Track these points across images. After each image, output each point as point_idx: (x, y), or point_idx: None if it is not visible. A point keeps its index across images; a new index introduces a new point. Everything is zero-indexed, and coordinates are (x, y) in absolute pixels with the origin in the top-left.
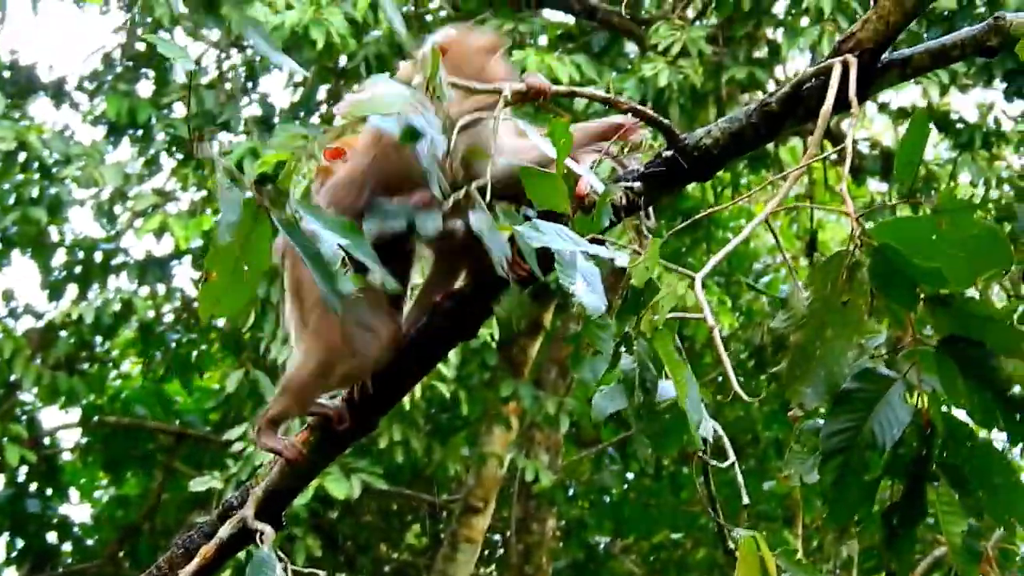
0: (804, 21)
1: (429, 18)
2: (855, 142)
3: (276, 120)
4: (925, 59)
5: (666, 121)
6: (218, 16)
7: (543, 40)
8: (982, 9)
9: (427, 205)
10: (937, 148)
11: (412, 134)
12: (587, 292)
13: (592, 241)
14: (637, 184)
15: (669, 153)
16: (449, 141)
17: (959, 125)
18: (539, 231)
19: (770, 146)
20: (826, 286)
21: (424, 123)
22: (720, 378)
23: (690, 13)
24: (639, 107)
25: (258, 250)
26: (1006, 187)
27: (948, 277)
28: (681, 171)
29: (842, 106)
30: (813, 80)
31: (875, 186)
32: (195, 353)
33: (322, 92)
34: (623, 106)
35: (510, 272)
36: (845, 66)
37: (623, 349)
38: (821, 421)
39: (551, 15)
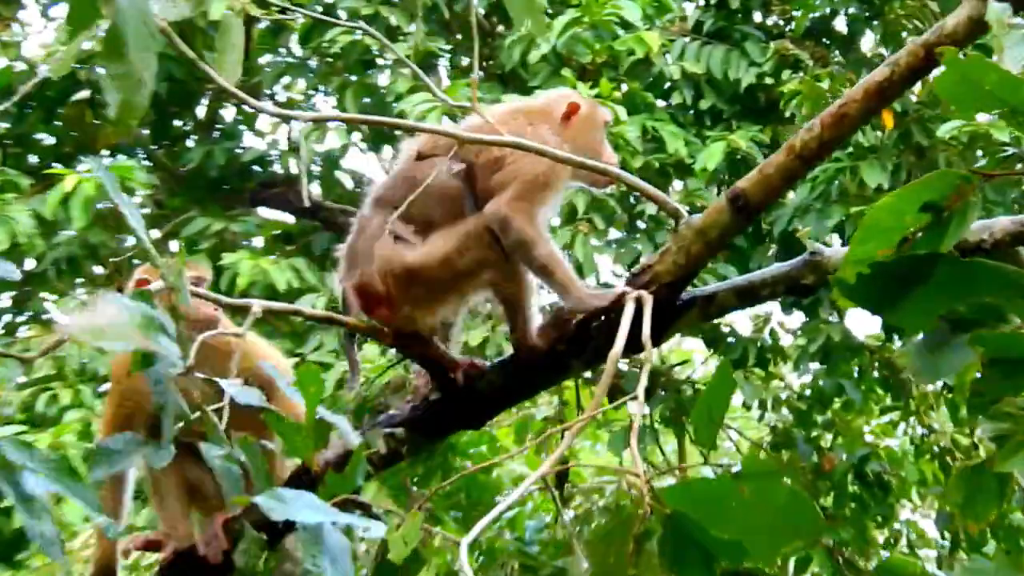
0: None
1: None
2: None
3: None
4: (731, 298)
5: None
6: None
7: (258, 241)
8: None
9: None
10: (707, 365)
11: (145, 360)
12: (333, 572)
13: (345, 503)
14: (399, 430)
15: (436, 396)
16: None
17: (731, 339)
18: (282, 501)
19: None
20: (609, 558)
21: (160, 346)
22: None
23: None
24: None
25: None
26: (784, 410)
27: (750, 550)
28: (451, 416)
29: (634, 348)
30: (602, 317)
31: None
32: None
33: (4, 299)
34: (386, 340)
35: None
36: (639, 304)
37: None
38: None
39: (268, 213)
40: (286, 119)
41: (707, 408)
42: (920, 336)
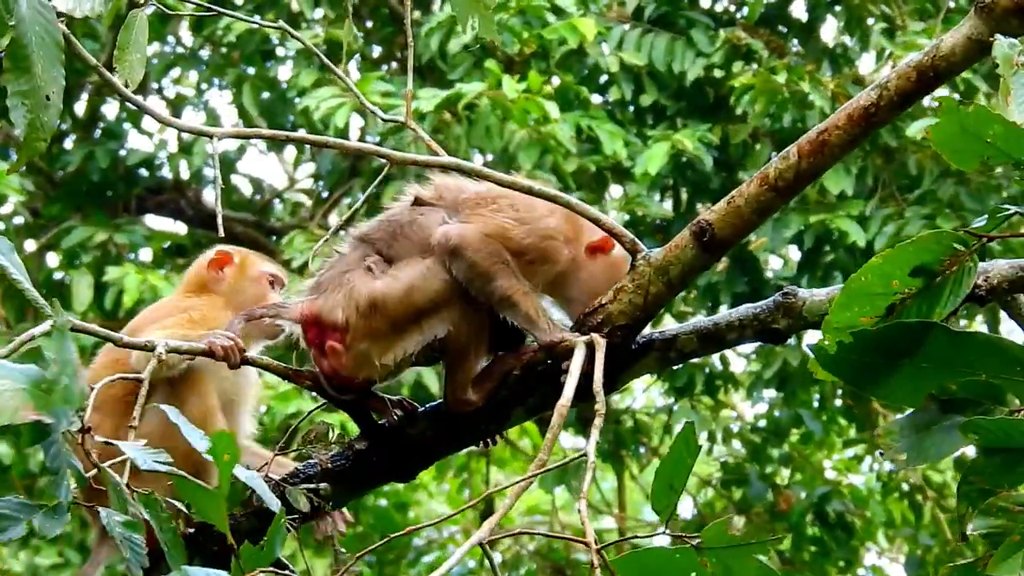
0: None
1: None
2: None
3: None
4: (693, 342)
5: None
6: None
7: (146, 254)
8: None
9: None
10: (648, 392)
11: (35, 436)
12: None
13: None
14: (324, 485)
15: (363, 445)
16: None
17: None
18: None
19: None
20: None
21: (50, 411)
22: None
23: (332, 220)
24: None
25: None
26: (736, 443)
27: None
28: (378, 467)
29: (585, 396)
30: (548, 361)
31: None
32: None
33: None
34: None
35: None
36: (591, 348)
37: None
38: None
39: (156, 222)
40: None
41: (667, 475)
42: (907, 414)
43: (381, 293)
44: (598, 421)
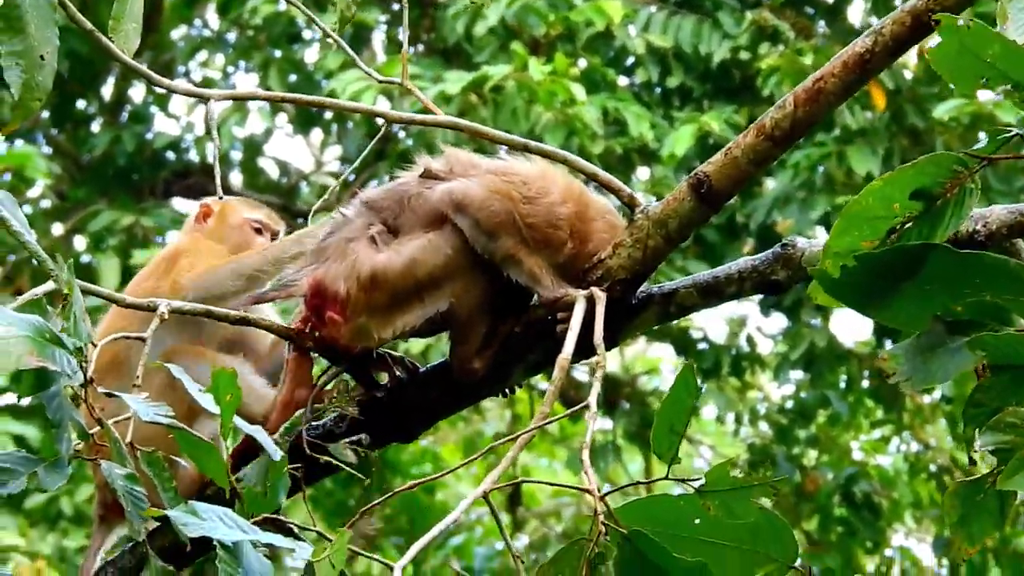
0: None
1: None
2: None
3: None
4: (693, 296)
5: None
6: None
7: (173, 237)
8: None
9: None
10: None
11: (36, 386)
12: None
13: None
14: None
15: (382, 396)
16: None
17: (702, 345)
18: (197, 515)
19: None
20: None
21: (52, 360)
22: None
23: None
24: None
25: None
26: (763, 424)
27: (716, 575)
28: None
29: (586, 351)
30: (549, 318)
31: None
32: None
33: None
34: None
35: None
36: (590, 302)
37: None
38: None
39: (183, 206)
40: (199, 98)
41: (668, 416)
42: (911, 337)
43: (383, 267)
44: (599, 373)
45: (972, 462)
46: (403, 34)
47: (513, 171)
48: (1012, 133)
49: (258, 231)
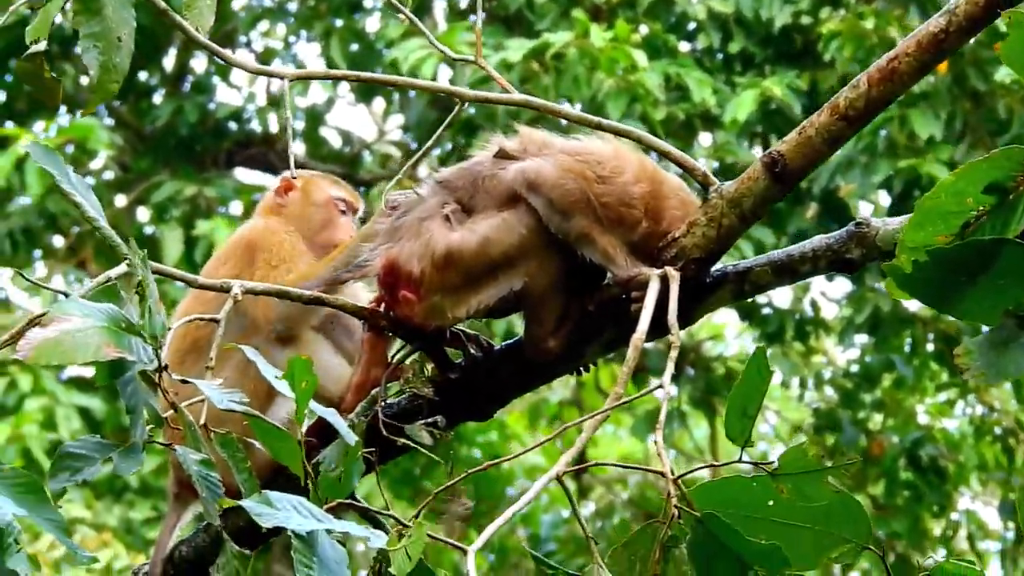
0: None
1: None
2: None
3: None
4: (767, 274)
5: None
6: None
7: (236, 207)
8: None
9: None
10: (741, 339)
11: (111, 373)
12: None
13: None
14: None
15: (456, 376)
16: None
17: (766, 310)
18: (270, 504)
19: None
20: (634, 567)
21: (127, 348)
22: None
23: (422, 171)
24: None
25: None
26: (828, 389)
27: (790, 557)
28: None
29: (660, 330)
30: (623, 297)
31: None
32: None
33: None
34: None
35: None
36: (664, 281)
37: None
38: None
39: (245, 175)
40: (270, 76)
41: (740, 400)
42: (985, 332)
43: (457, 246)
44: (673, 353)
45: None
46: (477, 20)
47: (587, 150)
48: None
49: (342, 211)
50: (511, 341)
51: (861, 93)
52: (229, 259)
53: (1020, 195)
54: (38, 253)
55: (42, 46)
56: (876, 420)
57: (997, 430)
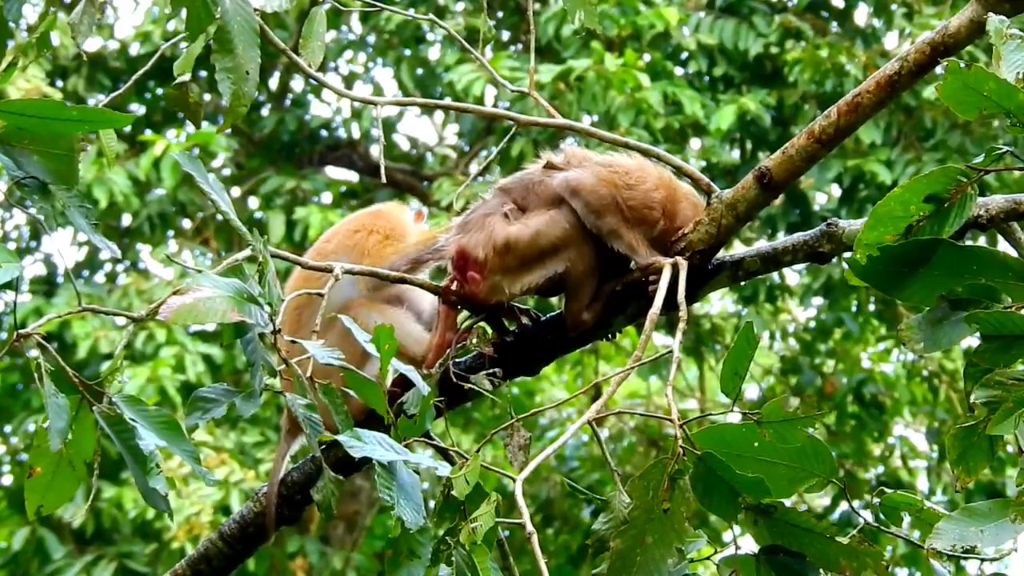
0: None
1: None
2: None
3: (59, 279)
4: (756, 263)
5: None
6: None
7: (326, 197)
8: None
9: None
10: (723, 301)
11: (235, 333)
12: (406, 506)
13: (415, 443)
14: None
15: (511, 340)
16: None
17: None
18: (360, 439)
19: None
20: (647, 493)
21: (248, 314)
22: None
23: (472, 168)
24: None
25: (82, 441)
26: (791, 340)
27: (770, 487)
28: (509, 364)
29: (671, 307)
30: (643, 279)
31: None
32: None
33: (105, 252)
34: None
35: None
36: (675, 268)
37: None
38: None
39: (334, 172)
40: (366, 103)
41: (733, 364)
42: (923, 312)
43: (514, 236)
44: (682, 325)
45: (971, 409)
46: (531, 59)
47: (617, 164)
48: (1003, 150)
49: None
50: (554, 314)
51: (832, 122)
52: (360, 229)
53: (953, 204)
54: (171, 233)
55: (187, 77)
56: (829, 365)
57: (924, 372)
